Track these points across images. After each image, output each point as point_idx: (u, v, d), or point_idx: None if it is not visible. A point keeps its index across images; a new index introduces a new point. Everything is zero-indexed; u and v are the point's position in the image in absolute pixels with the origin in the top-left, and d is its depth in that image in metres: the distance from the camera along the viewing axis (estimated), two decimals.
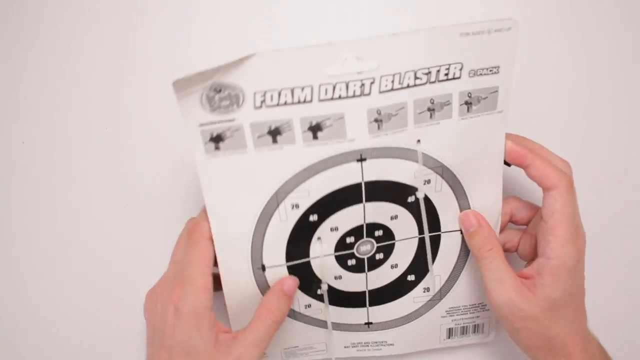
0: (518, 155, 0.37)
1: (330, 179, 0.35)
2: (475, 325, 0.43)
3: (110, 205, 0.45)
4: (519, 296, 0.36)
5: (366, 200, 0.37)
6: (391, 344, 0.43)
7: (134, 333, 0.46)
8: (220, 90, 0.32)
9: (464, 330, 0.43)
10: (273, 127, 0.33)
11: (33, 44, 0.44)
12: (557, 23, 0.45)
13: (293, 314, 0.41)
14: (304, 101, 0.32)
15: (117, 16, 0.44)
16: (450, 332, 0.43)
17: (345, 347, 0.43)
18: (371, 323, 0.42)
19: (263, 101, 0.32)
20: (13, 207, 0.45)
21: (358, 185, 0.36)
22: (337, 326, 0.42)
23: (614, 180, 0.47)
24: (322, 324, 0.42)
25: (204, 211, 0.37)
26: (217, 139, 0.33)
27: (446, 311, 0.42)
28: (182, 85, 0.31)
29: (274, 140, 0.34)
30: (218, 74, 0.31)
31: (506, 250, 0.41)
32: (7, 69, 0.44)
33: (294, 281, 0.38)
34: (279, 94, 0.32)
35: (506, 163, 0.39)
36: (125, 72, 0.44)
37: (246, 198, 0.35)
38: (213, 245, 0.37)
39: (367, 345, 0.43)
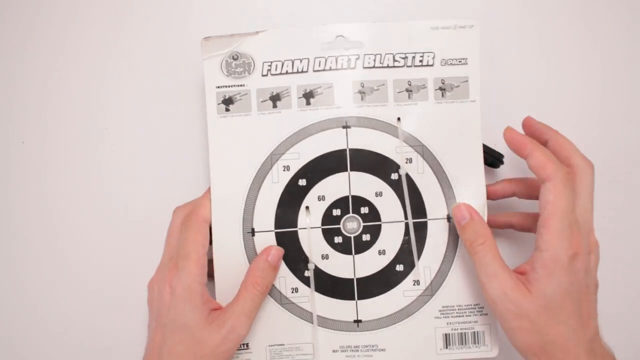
0: (519, 144, 0.38)
1: (318, 143, 0.40)
2: (474, 333, 0.40)
3: (109, 205, 0.47)
4: (514, 291, 0.35)
5: (351, 169, 0.40)
6: (382, 349, 0.40)
7: (134, 333, 0.46)
8: (236, 58, 0.40)
9: (462, 339, 0.40)
10: (275, 93, 0.40)
11: (32, 44, 0.46)
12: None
13: (279, 298, 0.40)
14: (301, 71, 0.40)
15: (116, 16, 0.46)
16: (447, 340, 0.40)
17: (333, 350, 0.41)
18: (360, 321, 0.40)
19: (269, 70, 0.40)
20: (13, 206, 0.47)
21: (343, 152, 0.40)
22: (325, 322, 0.41)
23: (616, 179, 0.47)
24: (309, 316, 0.41)
25: (204, 197, 0.41)
26: (228, 102, 0.40)
27: (439, 311, 0.40)
28: (208, 48, 0.40)
29: (274, 105, 0.40)
30: (237, 43, 0.40)
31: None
32: (6, 69, 0.46)
33: (278, 251, 0.40)
34: (282, 64, 0.40)
35: (492, 164, 0.42)
36: (124, 72, 0.46)
37: (245, 157, 0.40)
38: (208, 227, 0.40)
39: (357, 350, 0.40)
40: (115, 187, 0.47)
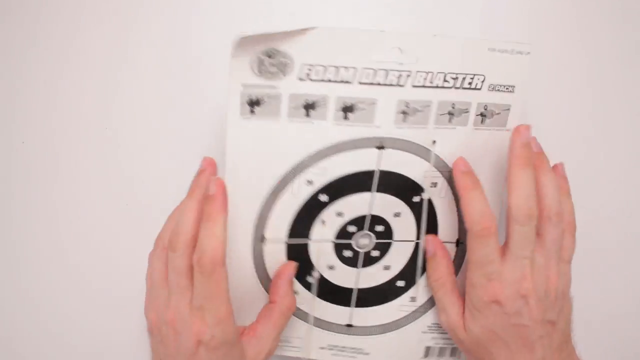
0: (457, 185, 0.38)
1: (348, 161, 0.37)
2: (453, 349, 0.43)
3: (110, 205, 0.45)
4: (455, 325, 0.39)
5: (376, 190, 0.38)
6: (367, 353, 0.43)
7: (134, 334, 0.45)
8: (271, 56, 0.33)
9: (441, 352, 0.43)
10: (310, 102, 0.35)
11: (33, 44, 0.44)
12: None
13: None
14: (345, 81, 0.34)
15: (117, 16, 0.44)
16: (427, 351, 0.43)
17: (321, 347, 0.43)
18: (352, 325, 0.42)
19: (308, 74, 0.34)
20: (13, 207, 0.45)
21: (372, 173, 0.38)
22: (318, 322, 0.42)
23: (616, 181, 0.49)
24: (304, 315, 0.41)
25: (209, 237, 0.33)
26: (254, 103, 0.34)
27: (428, 327, 0.43)
28: (241, 46, 0.32)
29: (307, 114, 0.35)
30: (276, 40, 0.32)
31: None
32: (7, 69, 0.44)
33: (295, 269, 0.39)
34: (325, 70, 0.34)
35: None
36: (125, 72, 0.44)
37: (267, 166, 0.36)
38: (225, 270, 0.34)
39: (343, 351, 0.43)
40: (116, 187, 0.45)
